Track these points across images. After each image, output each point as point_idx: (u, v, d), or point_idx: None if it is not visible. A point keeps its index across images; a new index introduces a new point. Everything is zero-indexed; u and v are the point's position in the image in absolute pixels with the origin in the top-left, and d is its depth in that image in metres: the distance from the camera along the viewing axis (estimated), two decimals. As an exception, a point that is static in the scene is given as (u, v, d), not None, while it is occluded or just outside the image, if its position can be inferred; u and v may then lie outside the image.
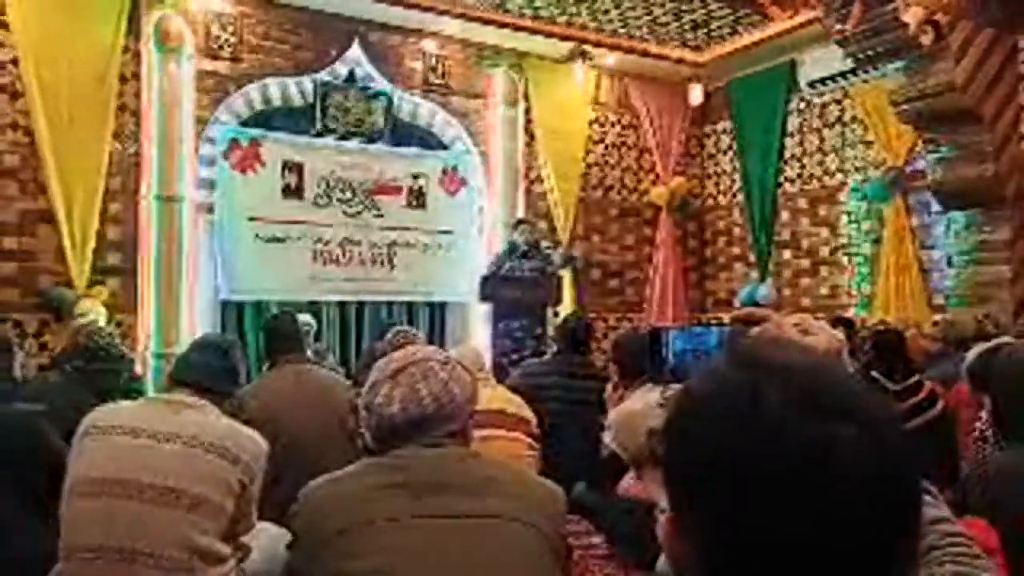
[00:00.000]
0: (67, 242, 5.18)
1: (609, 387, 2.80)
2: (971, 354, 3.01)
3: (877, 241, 6.32)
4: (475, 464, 1.40)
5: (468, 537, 1.26)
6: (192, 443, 1.80)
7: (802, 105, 7.03)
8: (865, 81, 6.20)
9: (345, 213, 6.27)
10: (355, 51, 6.25)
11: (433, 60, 6.64)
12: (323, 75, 6.18)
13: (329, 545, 1.26)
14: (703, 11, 6.38)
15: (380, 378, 1.40)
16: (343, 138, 6.30)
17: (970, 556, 0.71)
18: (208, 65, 5.77)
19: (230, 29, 5.83)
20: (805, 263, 6.99)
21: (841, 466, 0.53)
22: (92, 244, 5.27)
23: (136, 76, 5.54)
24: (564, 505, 1.43)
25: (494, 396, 2.78)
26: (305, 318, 5.33)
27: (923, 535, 0.69)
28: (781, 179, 7.16)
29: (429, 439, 1.35)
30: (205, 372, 2.00)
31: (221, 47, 5.80)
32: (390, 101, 6.46)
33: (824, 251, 6.84)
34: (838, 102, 6.74)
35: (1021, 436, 1.87)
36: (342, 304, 6.34)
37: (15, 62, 5.11)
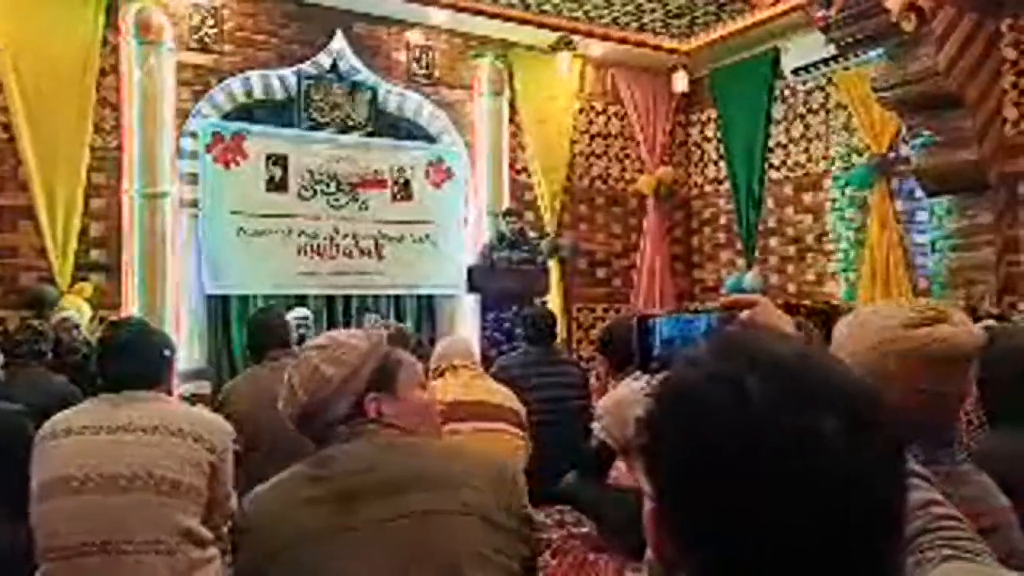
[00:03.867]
0: (49, 238, 5.12)
1: (592, 376, 2.80)
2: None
3: (862, 227, 6.35)
4: (401, 456, 1.26)
5: (401, 540, 1.15)
6: (159, 430, 1.82)
7: (786, 92, 7.04)
8: (847, 68, 6.22)
9: (330, 206, 6.23)
10: (339, 42, 6.19)
11: (418, 51, 6.60)
12: (306, 67, 6.12)
13: (264, 568, 1.18)
14: (687, -1, 6.37)
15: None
16: (328, 130, 6.25)
17: (963, 539, 0.71)
18: (188, 58, 5.70)
19: (210, 21, 5.77)
20: (791, 250, 7.02)
21: (826, 458, 0.53)
22: (74, 240, 5.22)
23: (115, 69, 5.47)
24: (512, 476, 1.29)
25: (483, 388, 2.78)
26: (302, 312, 5.32)
27: (914, 518, 0.69)
28: (766, 167, 7.18)
29: (329, 431, 1.26)
30: (145, 369, 1.97)
31: (201, 39, 5.74)
32: (374, 93, 6.42)
33: (809, 238, 6.87)
34: (822, 89, 6.75)
35: (1006, 419, 1.88)
36: (329, 298, 6.31)
37: (-8, 57, 5.04)
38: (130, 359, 1.95)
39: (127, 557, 1.72)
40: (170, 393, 2.12)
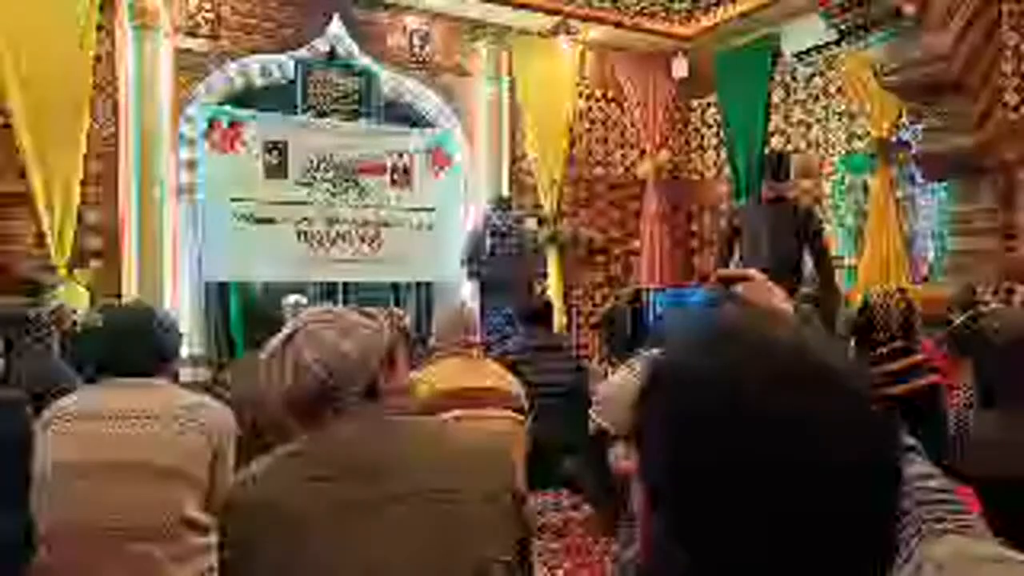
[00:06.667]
0: (47, 225, 5.11)
1: (595, 361, 2.79)
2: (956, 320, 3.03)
3: (862, 212, 6.33)
4: (405, 436, 1.21)
5: (424, 520, 1.11)
6: (162, 418, 1.82)
7: (787, 77, 7.00)
8: (849, 53, 6.18)
9: (329, 192, 6.21)
10: (336, 28, 6.16)
11: (416, 36, 6.55)
12: (304, 52, 6.09)
13: (258, 550, 1.11)
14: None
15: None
16: (326, 116, 6.22)
17: (955, 511, 0.71)
18: (185, 43, 5.67)
19: (207, 6, 5.73)
20: (791, 236, 6.99)
21: (819, 442, 0.53)
22: (72, 227, 5.20)
23: (111, 55, 5.43)
24: (508, 456, 1.28)
25: (485, 372, 2.77)
26: (297, 298, 5.31)
27: (908, 492, 0.69)
28: (766, 151, 7.15)
29: (338, 407, 1.18)
30: (147, 353, 1.94)
31: (198, 24, 5.70)
32: (373, 78, 6.38)
33: (810, 223, 6.83)
34: (823, 74, 6.71)
35: (1001, 402, 1.89)
36: (329, 285, 6.30)
37: (-13, 42, 5.00)
38: (132, 343, 1.93)
39: (129, 544, 1.73)
40: (175, 377, 2.10)
